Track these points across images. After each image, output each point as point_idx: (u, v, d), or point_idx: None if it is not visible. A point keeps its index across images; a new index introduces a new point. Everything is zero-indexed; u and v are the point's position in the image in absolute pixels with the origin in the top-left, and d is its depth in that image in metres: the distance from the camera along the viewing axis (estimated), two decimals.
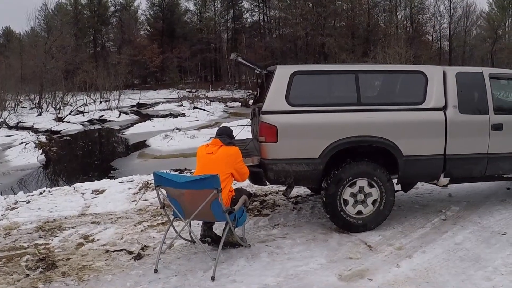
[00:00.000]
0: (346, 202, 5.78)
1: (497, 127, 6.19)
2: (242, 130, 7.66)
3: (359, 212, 5.85)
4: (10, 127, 27.77)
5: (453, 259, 5.06)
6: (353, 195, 5.80)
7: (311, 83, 6.12)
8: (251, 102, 10.77)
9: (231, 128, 5.68)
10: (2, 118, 27.78)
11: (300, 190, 7.84)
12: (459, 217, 6.45)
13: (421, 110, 5.95)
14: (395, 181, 6.07)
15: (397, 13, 56.78)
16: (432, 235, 5.79)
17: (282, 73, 5.75)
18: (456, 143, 6.01)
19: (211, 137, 5.94)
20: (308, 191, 7.80)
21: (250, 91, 46.20)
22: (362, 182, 5.79)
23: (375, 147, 5.86)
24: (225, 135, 5.34)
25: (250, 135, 7.50)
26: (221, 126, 5.94)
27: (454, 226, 6.10)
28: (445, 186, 6.39)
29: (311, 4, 55.24)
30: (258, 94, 7.06)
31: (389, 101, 6.20)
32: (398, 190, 6.31)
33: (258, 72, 6.57)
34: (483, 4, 53.80)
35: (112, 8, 72.33)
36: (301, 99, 5.76)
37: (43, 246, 5.80)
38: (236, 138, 5.82)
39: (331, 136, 5.64)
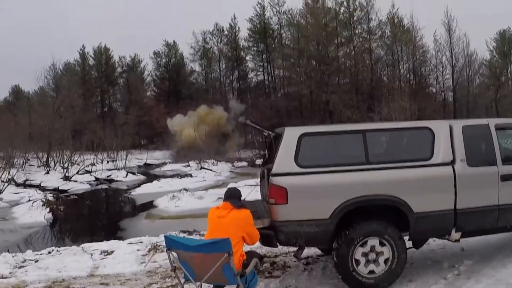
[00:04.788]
0: (357, 262, 5.73)
1: (506, 177, 6.19)
2: (252, 191, 7.65)
3: (372, 272, 5.77)
4: (17, 185, 27.88)
5: None
6: (365, 254, 5.75)
7: (320, 144, 6.20)
8: (257, 161, 10.82)
9: (238, 188, 5.71)
10: (10, 175, 27.90)
11: (310, 250, 7.75)
12: (473, 271, 6.35)
13: (429, 166, 5.99)
14: (406, 238, 6.03)
15: (400, 67, 57.44)
16: None
17: (291, 135, 5.84)
18: (466, 196, 6.00)
19: (218, 198, 5.96)
20: (319, 251, 7.72)
21: (257, 150, 46.32)
22: (373, 241, 5.75)
23: (385, 205, 5.86)
24: (234, 198, 5.31)
25: (258, 196, 7.52)
26: (228, 187, 5.96)
27: (468, 280, 6.01)
28: (457, 240, 6.32)
29: (314, 62, 56.33)
30: (267, 156, 7.12)
31: (397, 158, 6.23)
32: (410, 247, 6.25)
33: (266, 135, 6.66)
34: (484, 52, 54.30)
35: (119, 69, 73.75)
36: (310, 160, 5.83)
37: None
38: (246, 199, 5.84)
39: (341, 196, 5.66)
